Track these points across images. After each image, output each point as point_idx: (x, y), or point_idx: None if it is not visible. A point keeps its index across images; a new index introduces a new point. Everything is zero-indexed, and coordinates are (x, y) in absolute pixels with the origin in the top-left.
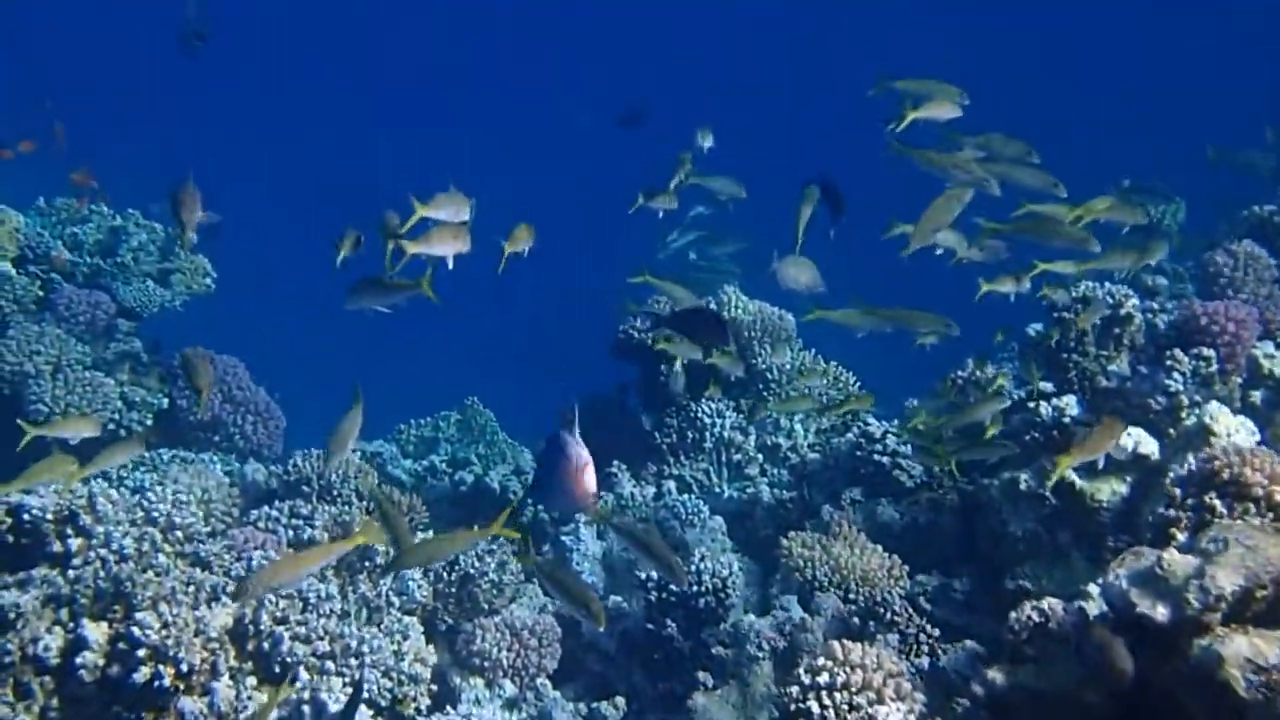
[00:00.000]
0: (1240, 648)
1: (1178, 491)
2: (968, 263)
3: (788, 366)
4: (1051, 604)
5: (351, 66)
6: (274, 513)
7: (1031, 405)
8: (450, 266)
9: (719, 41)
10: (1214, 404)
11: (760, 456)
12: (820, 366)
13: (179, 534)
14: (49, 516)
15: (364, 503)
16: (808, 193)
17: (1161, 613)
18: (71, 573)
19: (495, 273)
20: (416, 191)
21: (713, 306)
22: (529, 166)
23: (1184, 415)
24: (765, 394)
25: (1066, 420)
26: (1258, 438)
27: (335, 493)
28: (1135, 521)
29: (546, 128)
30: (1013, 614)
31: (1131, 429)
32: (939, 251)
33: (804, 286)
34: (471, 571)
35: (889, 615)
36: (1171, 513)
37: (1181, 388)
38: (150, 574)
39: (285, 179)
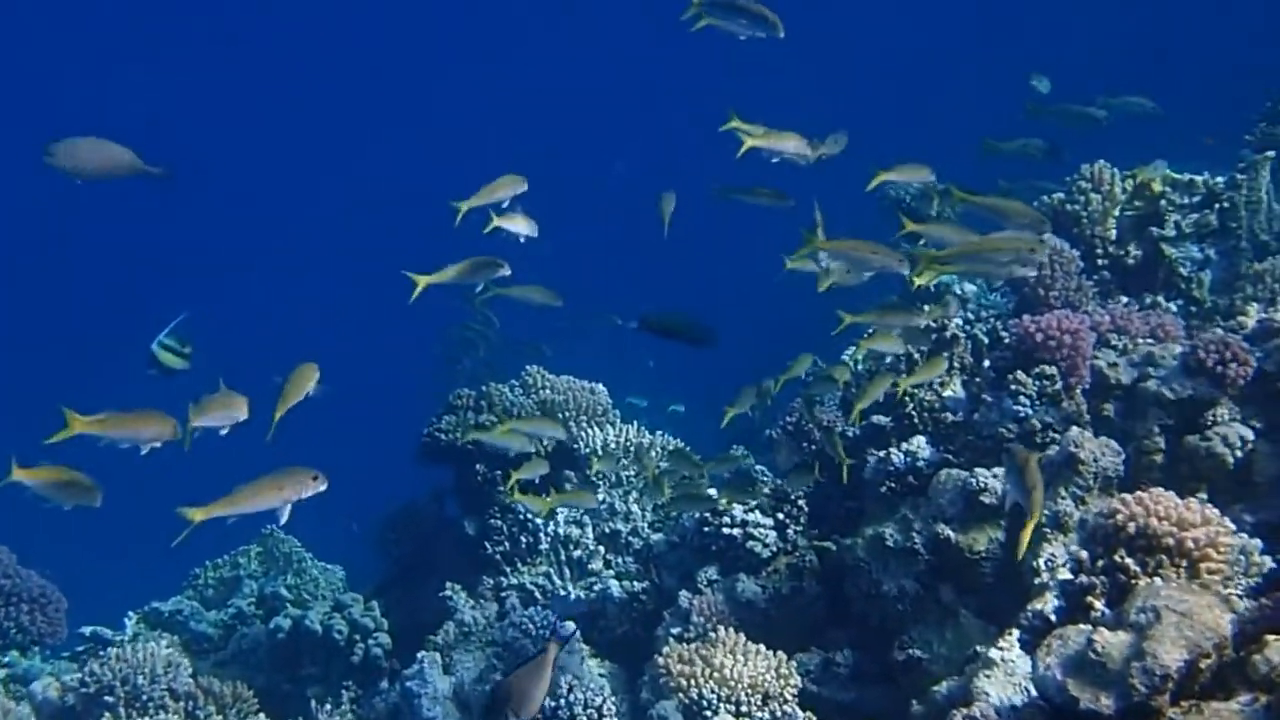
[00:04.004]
0: None
1: (1085, 554)
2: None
3: (613, 445)
4: (982, 710)
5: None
6: None
7: (881, 454)
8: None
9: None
10: (1075, 430)
11: (602, 548)
12: (649, 439)
13: None
14: None
15: (180, 703)
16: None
17: (1107, 704)
18: None
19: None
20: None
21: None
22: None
23: (1039, 439)
24: (591, 478)
25: (921, 464)
26: (1122, 456)
27: (145, 698)
28: (1017, 569)
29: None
30: None
31: (996, 470)
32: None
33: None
34: None
35: None
36: (1084, 579)
37: (1031, 412)
38: None
39: None
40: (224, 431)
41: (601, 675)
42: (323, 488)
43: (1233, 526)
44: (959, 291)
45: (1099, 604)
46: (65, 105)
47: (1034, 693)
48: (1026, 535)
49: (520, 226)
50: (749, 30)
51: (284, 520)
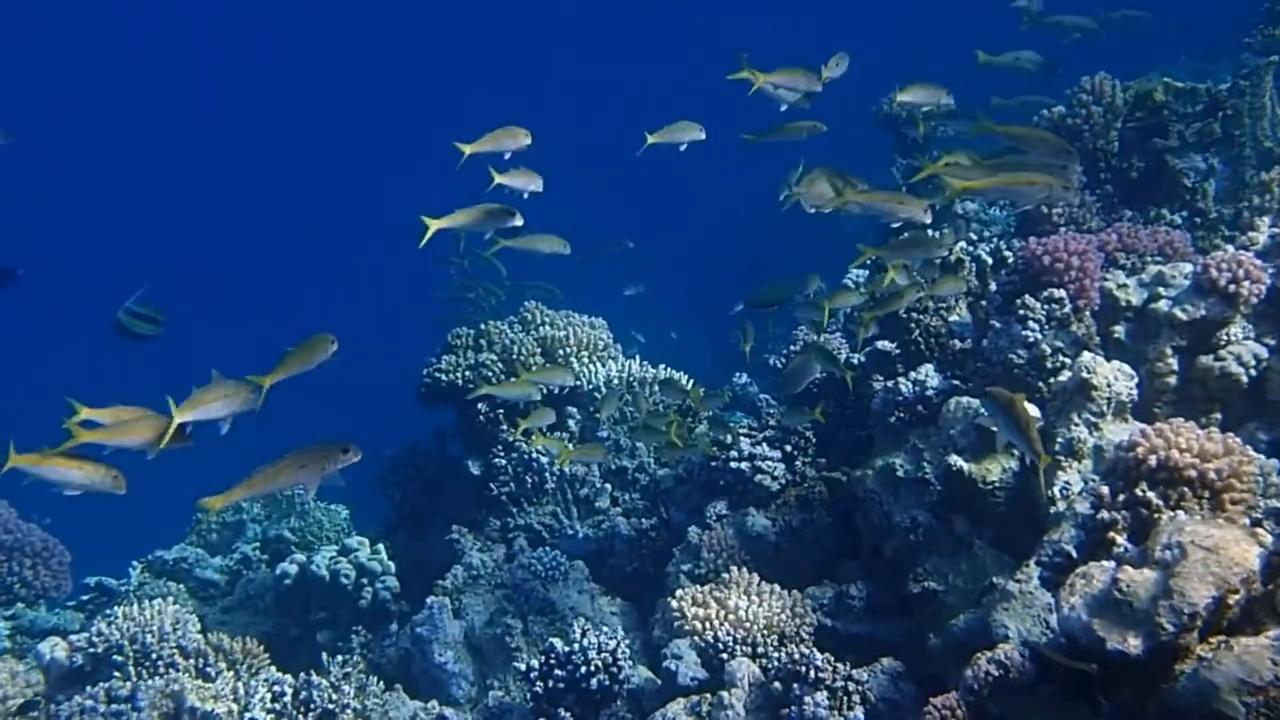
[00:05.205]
0: (1232, 669)
1: (1105, 489)
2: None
3: (615, 382)
4: (1007, 653)
5: None
6: (87, 702)
7: (889, 384)
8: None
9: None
10: (1087, 355)
11: (609, 486)
12: (651, 373)
13: None
14: None
15: (189, 660)
16: None
17: (1135, 644)
18: None
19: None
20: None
21: None
22: None
23: (1049, 365)
24: (595, 412)
25: (930, 393)
26: (1135, 379)
27: (155, 656)
28: (1031, 498)
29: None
30: (968, 671)
31: None
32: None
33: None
34: (330, 706)
35: (812, 674)
36: (1105, 515)
37: (1040, 336)
38: None
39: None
40: (225, 428)
41: (613, 614)
42: (356, 459)
43: (1255, 455)
44: (959, 210)
45: (1121, 539)
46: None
47: (1055, 628)
48: (1043, 480)
49: (523, 182)
50: None
51: (311, 495)
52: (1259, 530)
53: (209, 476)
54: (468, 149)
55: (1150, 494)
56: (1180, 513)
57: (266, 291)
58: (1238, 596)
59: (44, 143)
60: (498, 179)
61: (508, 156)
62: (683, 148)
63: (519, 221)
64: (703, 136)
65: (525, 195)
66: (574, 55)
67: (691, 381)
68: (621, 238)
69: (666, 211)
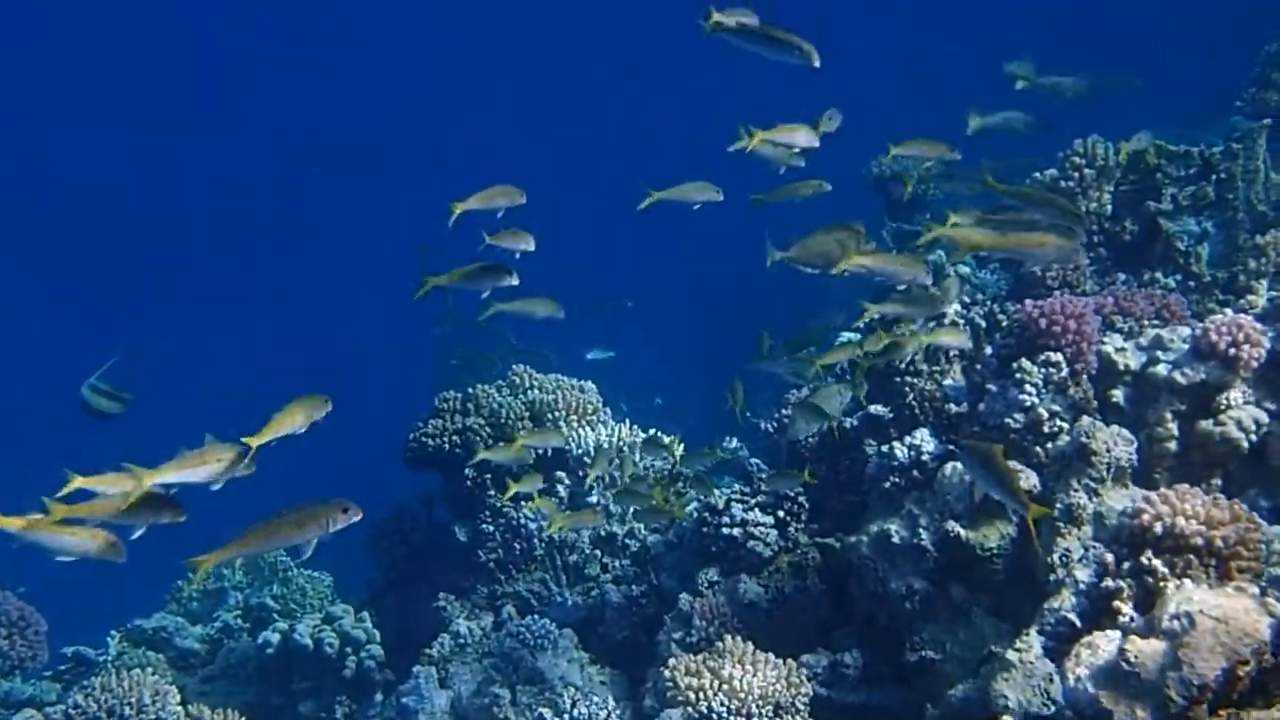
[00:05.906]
0: None
1: (1110, 557)
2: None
3: (605, 444)
4: None
5: None
6: None
7: (884, 448)
8: None
9: None
10: (1086, 419)
11: (599, 552)
12: (641, 438)
13: None
14: None
15: None
16: None
17: (1142, 716)
18: None
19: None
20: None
21: None
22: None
23: (1047, 429)
24: (584, 477)
25: (925, 458)
26: (1135, 444)
27: None
28: (1030, 565)
29: None
30: None
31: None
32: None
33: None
34: None
35: None
36: (1110, 583)
37: (1037, 400)
38: None
39: None
40: (216, 486)
41: (603, 683)
42: (356, 518)
43: (1262, 522)
44: (950, 271)
45: (1126, 608)
46: None
47: (1057, 699)
48: (1033, 533)
49: (515, 242)
50: (776, 57)
51: (306, 556)
52: (1269, 600)
53: (186, 540)
54: (459, 206)
55: (1156, 562)
56: (1187, 581)
57: (264, 328)
58: (1248, 668)
59: (43, 142)
60: (489, 240)
61: (500, 215)
62: (695, 207)
63: (515, 281)
64: (719, 198)
65: (517, 255)
66: (577, 82)
67: (682, 444)
68: (621, 296)
69: (648, 272)
